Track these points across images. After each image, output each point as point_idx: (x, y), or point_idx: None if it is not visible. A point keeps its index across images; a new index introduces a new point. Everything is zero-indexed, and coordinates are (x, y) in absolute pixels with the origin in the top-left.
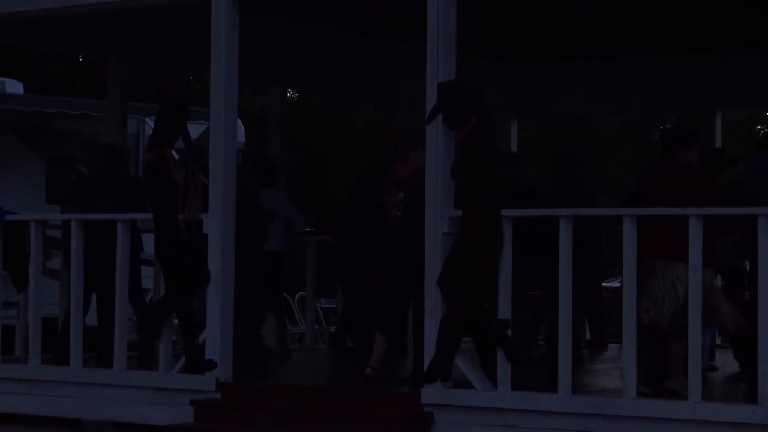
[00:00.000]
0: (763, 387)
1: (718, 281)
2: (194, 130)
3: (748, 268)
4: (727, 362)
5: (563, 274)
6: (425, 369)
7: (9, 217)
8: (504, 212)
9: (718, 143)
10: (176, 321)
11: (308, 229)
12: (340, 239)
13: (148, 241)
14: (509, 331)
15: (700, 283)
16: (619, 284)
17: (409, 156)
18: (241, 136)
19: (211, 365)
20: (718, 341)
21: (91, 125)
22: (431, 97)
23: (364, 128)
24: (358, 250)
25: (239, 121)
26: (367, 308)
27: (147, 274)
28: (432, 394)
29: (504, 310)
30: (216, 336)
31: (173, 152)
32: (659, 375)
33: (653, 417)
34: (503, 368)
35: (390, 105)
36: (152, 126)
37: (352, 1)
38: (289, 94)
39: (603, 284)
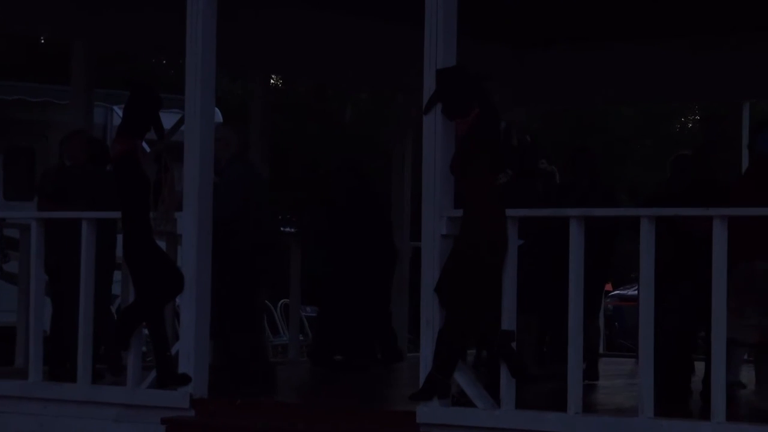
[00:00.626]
0: None
1: None
2: (167, 119)
3: None
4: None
5: (574, 279)
6: (421, 385)
7: None
8: (509, 212)
9: (746, 137)
10: (146, 330)
11: (291, 230)
12: (310, 242)
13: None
14: (514, 344)
15: (724, 287)
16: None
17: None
18: None
19: (185, 380)
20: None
21: (54, 114)
22: (429, 85)
23: (356, 118)
24: (329, 253)
25: (217, 110)
26: (346, 316)
27: (116, 279)
28: (428, 412)
29: (508, 321)
30: (190, 347)
31: (144, 144)
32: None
33: None
34: (507, 385)
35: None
36: (121, 115)
37: None
38: (272, 81)
39: (617, 292)
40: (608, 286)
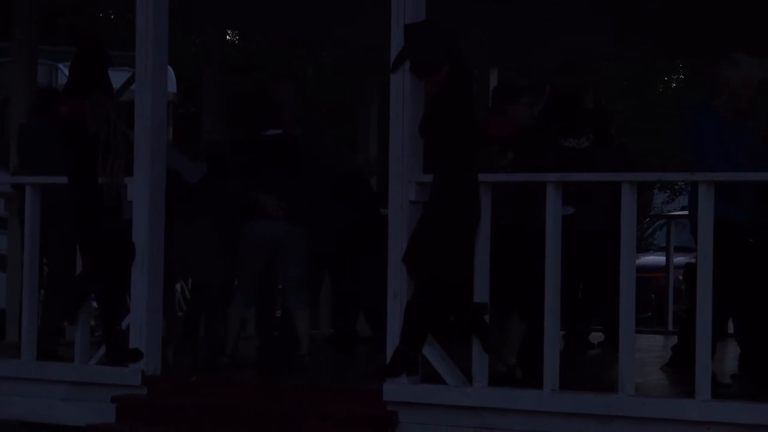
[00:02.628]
0: None
1: None
2: (117, 78)
3: None
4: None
5: (552, 249)
6: (388, 359)
7: None
8: (481, 177)
9: None
10: (94, 303)
11: None
12: None
13: None
14: (487, 317)
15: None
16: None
17: (506, 108)
18: (172, 86)
19: (136, 356)
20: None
21: None
22: (397, 42)
23: (318, 77)
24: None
25: (170, 69)
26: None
27: None
28: (395, 390)
29: (481, 293)
30: (142, 321)
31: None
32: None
33: (654, 418)
34: (479, 360)
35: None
36: (67, 74)
37: None
38: (228, 38)
39: None
40: None
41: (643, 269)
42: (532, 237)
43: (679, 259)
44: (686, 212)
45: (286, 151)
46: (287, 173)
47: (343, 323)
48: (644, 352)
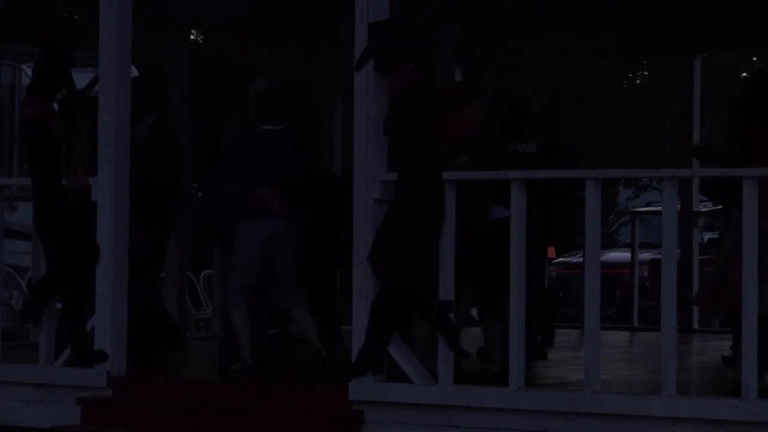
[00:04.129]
0: (748, 379)
1: None
2: (80, 79)
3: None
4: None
5: (516, 248)
6: (354, 359)
7: None
8: (446, 175)
9: (698, 92)
10: (59, 304)
11: None
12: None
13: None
14: (452, 315)
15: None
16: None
17: (460, 110)
18: None
19: (101, 357)
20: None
21: None
22: (361, 40)
23: (282, 75)
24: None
25: (134, 69)
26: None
27: (26, 250)
28: (361, 388)
29: (446, 291)
30: (107, 322)
31: (55, 105)
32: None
33: (620, 414)
34: (445, 359)
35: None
36: (30, 74)
37: None
38: (192, 37)
39: (561, 259)
40: (552, 253)
41: (608, 266)
42: (483, 235)
43: (644, 255)
44: (651, 208)
45: (286, 147)
46: (287, 169)
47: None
48: (610, 349)
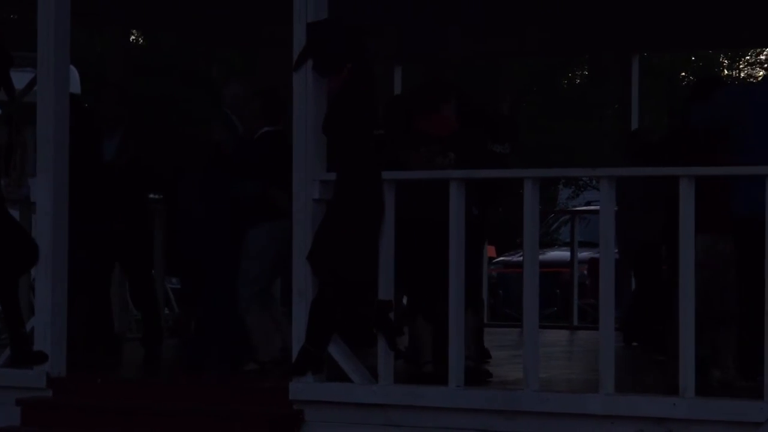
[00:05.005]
0: (685, 377)
1: None
2: (19, 79)
3: None
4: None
5: (455, 248)
6: (294, 359)
7: None
8: (385, 175)
9: (636, 91)
10: None
11: (156, 197)
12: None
13: None
14: (392, 315)
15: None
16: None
17: (440, 108)
18: (76, 86)
19: (41, 358)
20: None
21: None
22: (299, 40)
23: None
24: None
25: (73, 69)
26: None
27: None
28: (301, 388)
29: (385, 291)
30: (46, 323)
31: None
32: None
33: (559, 412)
34: (384, 358)
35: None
36: None
37: None
38: (132, 37)
39: (501, 258)
40: (492, 252)
41: (547, 264)
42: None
43: (584, 254)
44: (590, 207)
45: (283, 149)
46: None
47: None
48: (549, 347)
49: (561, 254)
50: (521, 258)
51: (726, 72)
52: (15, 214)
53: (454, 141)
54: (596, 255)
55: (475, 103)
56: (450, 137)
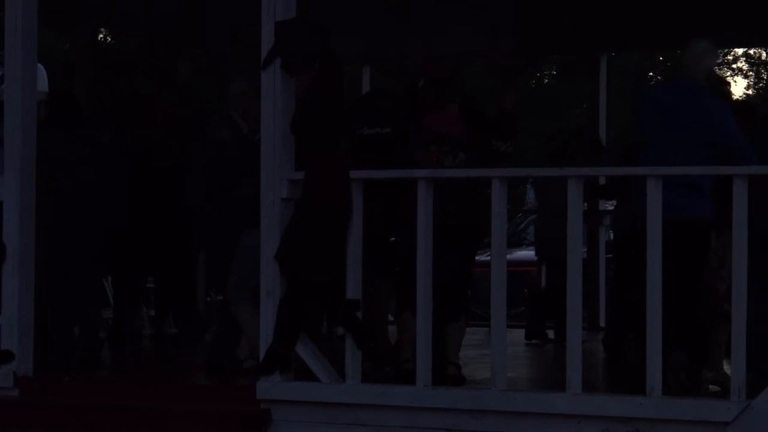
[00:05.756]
0: (651, 376)
1: None
2: None
3: None
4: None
5: (422, 247)
6: (261, 358)
7: None
8: (353, 174)
9: (604, 90)
10: None
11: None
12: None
13: None
14: (359, 314)
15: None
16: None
17: (446, 107)
18: (44, 85)
19: (8, 357)
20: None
21: None
22: (267, 39)
23: (191, 75)
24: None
25: (41, 67)
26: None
27: None
28: (269, 388)
29: (353, 290)
30: (13, 322)
31: None
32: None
33: (526, 412)
34: (352, 357)
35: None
36: None
37: None
38: (100, 36)
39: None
40: None
41: (515, 264)
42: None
43: None
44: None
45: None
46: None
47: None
48: (517, 347)
49: (529, 254)
50: (489, 257)
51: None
52: None
53: (463, 141)
54: None
55: (474, 102)
56: (458, 137)
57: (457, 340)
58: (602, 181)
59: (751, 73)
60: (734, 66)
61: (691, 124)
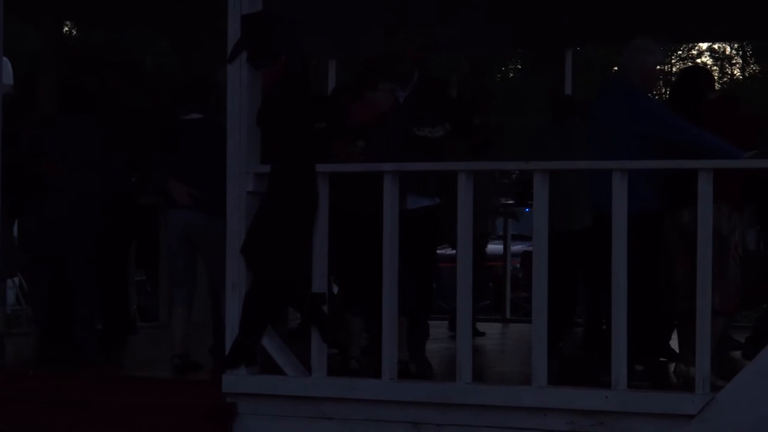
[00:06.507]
0: (616, 370)
1: None
2: None
3: None
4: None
5: (388, 241)
6: (227, 351)
7: None
8: (319, 168)
9: (569, 85)
10: None
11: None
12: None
13: None
14: (325, 308)
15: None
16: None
17: (364, 95)
18: (9, 78)
19: None
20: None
21: None
22: (234, 32)
23: (157, 68)
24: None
25: (6, 60)
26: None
27: None
28: (234, 381)
29: (319, 283)
30: None
31: None
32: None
33: (492, 405)
34: (318, 351)
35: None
36: None
37: None
38: (66, 29)
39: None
40: None
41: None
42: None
43: (517, 248)
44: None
45: (208, 138)
46: (206, 161)
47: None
48: (482, 340)
49: (494, 247)
50: (454, 251)
51: (658, 67)
52: None
53: (372, 128)
54: (529, 248)
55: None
56: (361, 125)
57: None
58: None
59: (715, 67)
60: (699, 61)
61: (623, 121)
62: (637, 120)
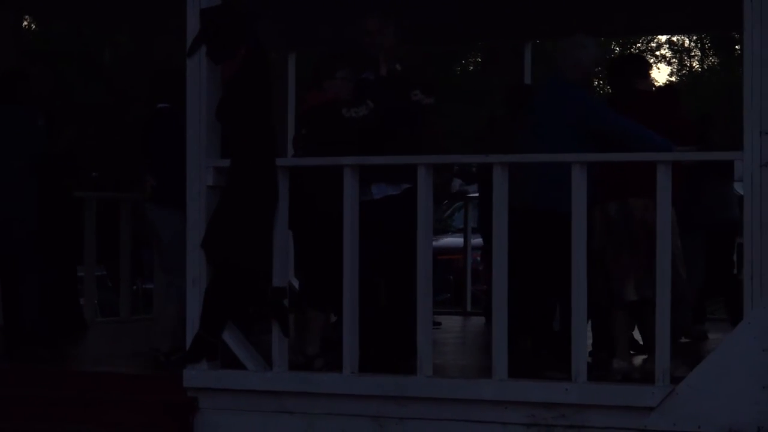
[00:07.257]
0: (576, 362)
1: None
2: None
3: None
4: None
5: (348, 232)
6: (188, 346)
7: None
8: (279, 162)
9: (528, 78)
10: None
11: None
12: None
13: None
14: (286, 301)
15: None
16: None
17: (322, 84)
18: None
19: None
20: None
21: None
22: (193, 26)
23: (115, 61)
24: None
25: None
26: None
27: None
28: (195, 376)
29: (280, 277)
30: None
31: None
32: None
33: (452, 398)
34: (279, 345)
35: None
36: None
37: None
38: (24, 23)
39: None
40: None
41: (441, 251)
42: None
43: (477, 241)
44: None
45: (167, 128)
46: (163, 152)
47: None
48: (443, 333)
49: (454, 240)
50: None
51: (594, 62)
52: None
53: (304, 117)
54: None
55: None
56: (305, 112)
57: (314, 329)
58: None
59: (674, 60)
60: (657, 53)
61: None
62: (571, 112)
